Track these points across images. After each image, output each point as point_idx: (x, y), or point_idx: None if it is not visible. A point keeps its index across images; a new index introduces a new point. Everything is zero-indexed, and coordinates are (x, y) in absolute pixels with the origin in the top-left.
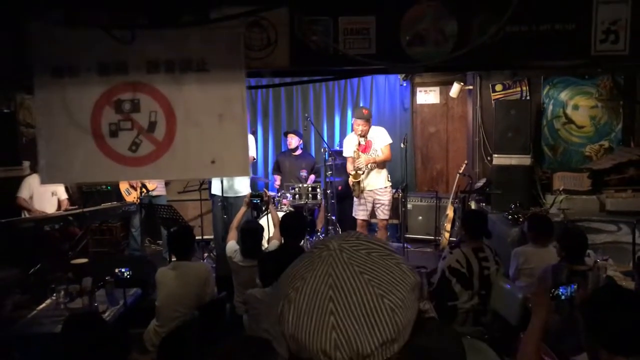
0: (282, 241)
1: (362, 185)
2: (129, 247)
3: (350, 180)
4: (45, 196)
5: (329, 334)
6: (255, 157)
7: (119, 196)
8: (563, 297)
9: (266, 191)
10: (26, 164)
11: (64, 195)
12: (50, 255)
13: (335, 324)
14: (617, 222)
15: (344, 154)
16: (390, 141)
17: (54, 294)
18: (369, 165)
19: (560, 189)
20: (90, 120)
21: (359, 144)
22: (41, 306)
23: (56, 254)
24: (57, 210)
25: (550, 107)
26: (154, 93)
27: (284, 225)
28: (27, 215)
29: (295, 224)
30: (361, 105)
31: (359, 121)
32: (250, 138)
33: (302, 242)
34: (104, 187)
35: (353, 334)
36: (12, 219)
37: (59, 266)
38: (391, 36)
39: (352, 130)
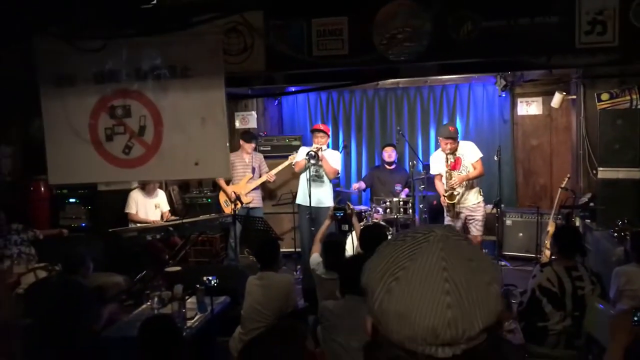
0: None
1: (457, 206)
2: (228, 257)
3: (444, 201)
4: (149, 209)
5: (444, 311)
6: (340, 171)
7: (218, 208)
8: None
9: (349, 204)
10: None
11: (166, 208)
12: (152, 264)
13: (450, 303)
14: None
15: (432, 172)
16: (481, 155)
17: (149, 300)
18: (463, 184)
19: None
20: (88, 126)
21: (448, 161)
22: (136, 311)
23: (157, 262)
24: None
25: None
26: (142, 99)
27: (362, 237)
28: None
29: (374, 236)
30: (451, 121)
31: (446, 140)
32: (337, 153)
33: None
34: (204, 199)
35: (465, 314)
36: (117, 229)
37: (159, 274)
38: (364, 36)
39: (439, 147)
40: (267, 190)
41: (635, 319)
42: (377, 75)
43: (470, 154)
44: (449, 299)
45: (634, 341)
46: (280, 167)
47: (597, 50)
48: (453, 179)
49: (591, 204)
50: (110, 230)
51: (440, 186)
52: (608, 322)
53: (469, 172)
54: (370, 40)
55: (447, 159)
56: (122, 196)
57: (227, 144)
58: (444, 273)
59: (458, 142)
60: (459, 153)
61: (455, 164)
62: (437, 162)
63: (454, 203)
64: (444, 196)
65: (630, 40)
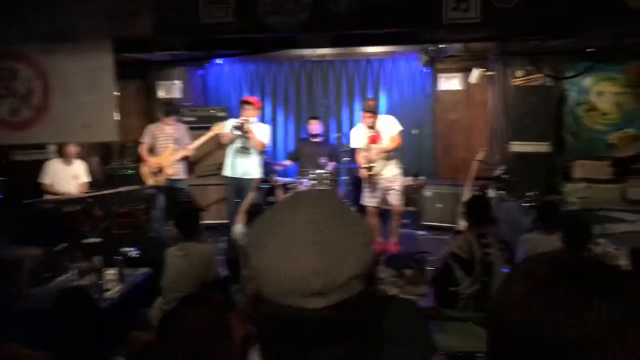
0: None
1: (375, 177)
2: (152, 229)
3: (364, 173)
4: (66, 180)
5: (310, 262)
6: (267, 144)
7: (141, 180)
8: None
9: (274, 177)
10: (51, 147)
11: (85, 179)
12: (71, 236)
13: (317, 252)
14: (639, 212)
15: (352, 145)
16: (400, 128)
17: (68, 272)
18: (381, 157)
19: (580, 176)
20: None
21: (370, 136)
22: (53, 283)
23: (77, 234)
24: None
25: (574, 93)
26: (29, 62)
27: None
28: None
29: None
30: (375, 94)
31: (366, 113)
32: (266, 126)
33: None
34: (125, 170)
35: (332, 263)
36: (33, 200)
37: (78, 246)
38: (249, 5)
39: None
40: (191, 162)
41: None
42: (275, 44)
43: (388, 127)
44: (314, 249)
45: None
46: (203, 139)
47: (464, 26)
48: (372, 151)
49: (504, 176)
50: (25, 201)
51: (361, 158)
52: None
53: (387, 144)
54: (254, 9)
55: (368, 133)
56: (39, 166)
57: (116, 107)
58: (311, 226)
59: (377, 117)
60: (378, 127)
61: (376, 136)
62: (357, 136)
63: (372, 175)
64: (363, 168)
65: (491, 18)
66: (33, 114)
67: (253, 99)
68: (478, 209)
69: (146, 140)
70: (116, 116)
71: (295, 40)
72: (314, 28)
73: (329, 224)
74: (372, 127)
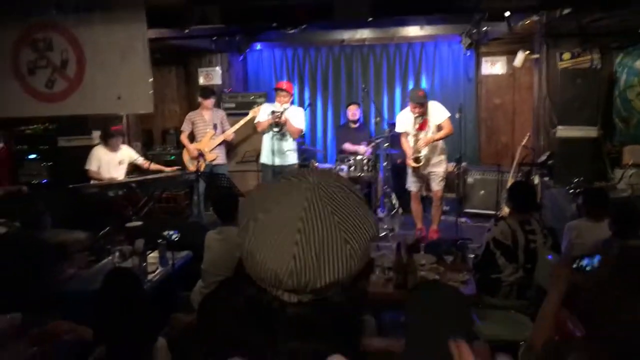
0: None
1: (421, 168)
2: (192, 214)
3: (411, 163)
4: (112, 165)
5: (287, 261)
6: (304, 129)
7: (183, 166)
8: (588, 268)
9: (313, 162)
10: (96, 133)
11: (136, 159)
12: (114, 220)
13: (296, 254)
14: None
15: (397, 129)
16: (449, 114)
17: (110, 255)
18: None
19: (630, 162)
20: (10, 57)
21: (416, 123)
22: (97, 266)
23: (120, 219)
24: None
25: (624, 76)
26: (64, 32)
27: None
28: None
29: None
30: (417, 79)
31: (415, 104)
32: (301, 110)
33: None
34: (168, 156)
35: (310, 268)
36: (78, 185)
37: (121, 230)
38: None
39: (406, 106)
40: (230, 147)
41: (575, 265)
42: (311, 14)
43: (436, 114)
44: (295, 250)
45: (573, 289)
46: (241, 123)
47: None
48: (420, 141)
49: (549, 162)
50: (70, 186)
51: (406, 144)
52: (550, 269)
53: (434, 133)
54: None
55: (415, 121)
56: (84, 151)
57: (151, 79)
58: (298, 223)
59: (427, 105)
60: (426, 114)
61: (423, 124)
62: (404, 121)
63: (418, 166)
64: (410, 159)
65: None
66: (68, 85)
67: (286, 84)
68: (522, 195)
69: (186, 127)
70: (150, 88)
71: (332, 9)
72: None
73: (318, 223)
74: (420, 116)
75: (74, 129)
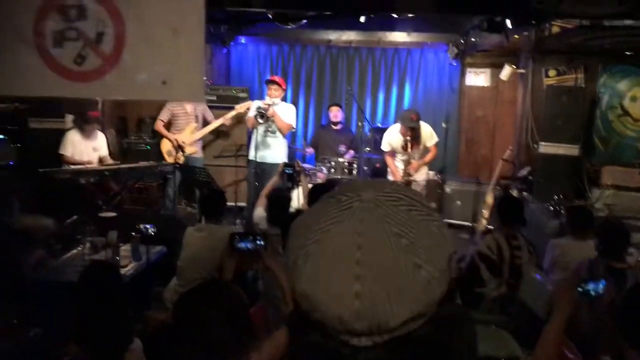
0: None
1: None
2: (165, 207)
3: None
4: (86, 151)
5: (351, 301)
6: (295, 127)
7: (159, 156)
8: (592, 293)
9: (298, 162)
10: (69, 117)
11: (105, 152)
12: (84, 208)
13: (360, 292)
14: None
15: (383, 147)
16: (437, 139)
17: (80, 245)
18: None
19: (608, 183)
20: (33, 26)
21: (407, 145)
22: (65, 256)
23: (90, 207)
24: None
25: (606, 97)
26: (102, 0)
27: (313, 196)
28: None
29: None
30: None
31: (407, 128)
32: (292, 107)
33: None
34: (143, 145)
35: (380, 305)
36: (49, 169)
37: (91, 219)
38: None
39: (393, 123)
40: (208, 140)
41: (580, 289)
42: (371, 5)
43: (427, 137)
44: (357, 286)
45: (575, 310)
46: (228, 116)
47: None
48: (412, 166)
49: (530, 177)
50: (40, 170)
51: (392, 163)
52: (552, 292)
53: (423, 155)
54: None
55: (405, 143)
56: (56, 135)
57: (204, 63)
58: (357, 253)
59: (419, 128)
60: (416, 136)
61: (413, 144)
62: (392, 142)
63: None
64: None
65: None
66: (102, 63)
67: (279, 78)
68: (509, 209)
69: (164, 116)
70: (203, 72)
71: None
72: None
73: (381, 249)
74: (413, 136)
75: (46, 111)
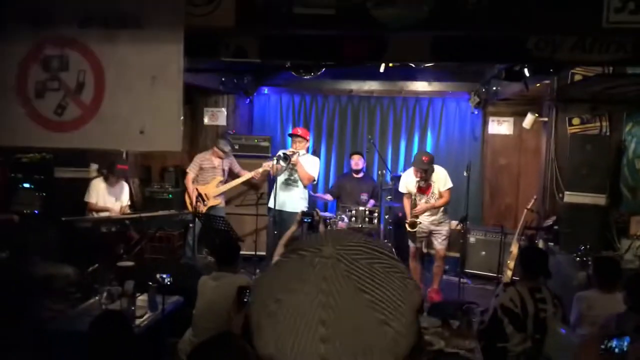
0: None
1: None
2: (185, 256)
3: (407, 227)
4: (110, 201)
5: (316, 353)
6: (316, 179)
7: (181, 205)
8: (616, 350)
9: (318, 211)
10: (94, 166)
11: (126, 202)
12: (104, 257)
13: (325, 355)
14: None
15: (400, 189)
16: (451, 185)
17: (98, 295)
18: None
19: (638, 233)
20: (16, 75)
21: (419, 187)
22: (83, 305)
23: (110, 256)
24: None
25: (632, 145)
26: (84, 50)
27: None
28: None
29: None
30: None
31: (418, 169)
32: (316, 160)
33: None
34: (165, 194)
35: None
36: (71, 218)
37: (111, 268)
38: None
39: (410, 166)
40: (231, 190)
41: (603, 347)
42: (363, 54)
43: (441, 182)
44: (323, 348)
45: None
46: (252, 174)
47: (630, 31)
48: (420, 207)
49: (555, 227)
50: (63, 219)
51: (408, 205)
52: (577, 348)
53: (436, 199)
54: (363, 0)
55: (418, 184)
56: (81, 184)
57: (181, 112)
58: (321, 312)
59: (432, 170)
60: (431, 179)
61: (427, 188)
62: (408, 183)
63: (415, 231)
64: (407, 223)
65: None
66: (81, 114)
67: (302, 130)
68: (534, 261)
69: (193, 170)
70: (181, 122)
71: (386, 47)
72: (435, 25)
73: (345, 307)
74: (422, 179)
75: (71, 160)
